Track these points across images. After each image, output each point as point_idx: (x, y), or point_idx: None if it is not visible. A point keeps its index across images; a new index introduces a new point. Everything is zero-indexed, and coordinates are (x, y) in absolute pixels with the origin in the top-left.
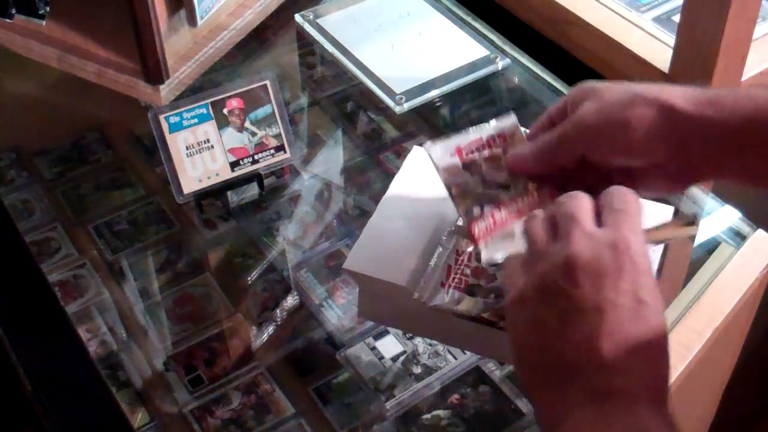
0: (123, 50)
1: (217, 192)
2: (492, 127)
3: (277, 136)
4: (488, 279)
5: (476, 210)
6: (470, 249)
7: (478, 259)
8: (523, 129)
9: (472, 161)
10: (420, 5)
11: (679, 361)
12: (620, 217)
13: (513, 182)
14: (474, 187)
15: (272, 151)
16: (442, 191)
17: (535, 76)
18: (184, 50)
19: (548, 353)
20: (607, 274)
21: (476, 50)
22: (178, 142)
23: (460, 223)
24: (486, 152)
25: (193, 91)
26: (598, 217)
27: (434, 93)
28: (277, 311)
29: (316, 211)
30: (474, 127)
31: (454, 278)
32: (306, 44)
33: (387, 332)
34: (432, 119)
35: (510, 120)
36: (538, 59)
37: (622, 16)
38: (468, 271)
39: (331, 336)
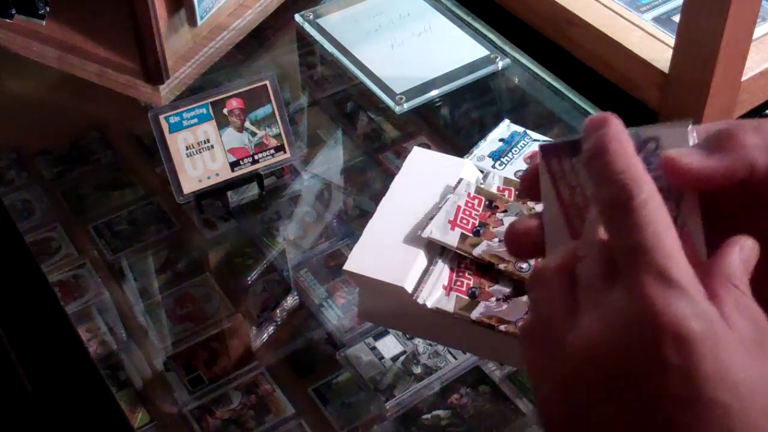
0: (123, 50)
1: (217, 192)
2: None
3: (277, 136)
4: (489, 282)
5: None
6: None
7: None
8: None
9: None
10: (420, 5)
11: None
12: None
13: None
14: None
15: (272, 151)
16: (442, 192)
17: (535, 76)
18: (184, 50)
19: None
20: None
21: (476, 50)
22: (178, 142)
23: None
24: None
25: (193, 91)
26: None
27: (434, 93)
28: (277, 311)
29: (316, 211)
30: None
31: (455, 281)
32: (306, 44)
33: (387, 332)
34: (432, 119)
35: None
36: (538, 59)
37: (622, 16)
38: (469, 274)
39: (331, 336)
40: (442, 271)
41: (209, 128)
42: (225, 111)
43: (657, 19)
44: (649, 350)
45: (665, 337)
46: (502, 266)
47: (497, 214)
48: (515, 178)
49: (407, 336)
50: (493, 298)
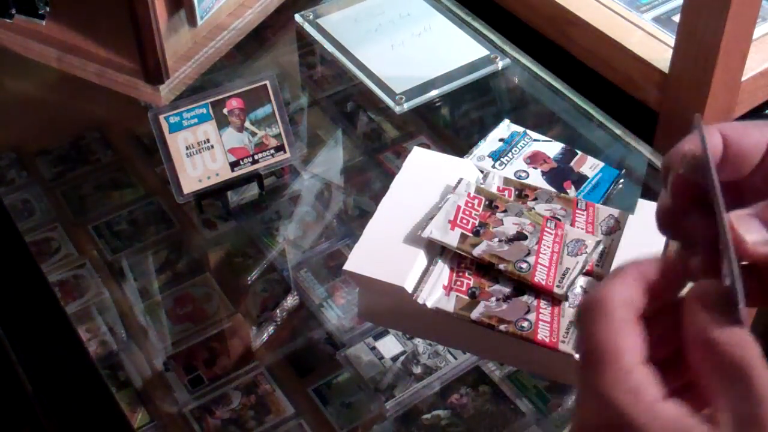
0: (123, 50)
1: (217, 192)
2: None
3: (277, 136)
4: (489, 282)
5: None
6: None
7: None
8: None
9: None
10: (420, 5)
11: None
12: None
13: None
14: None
15: (272, 151)
16: (442, 192)
17: (535, 76)
18: (184, 50)
19: None
20: None
21: (476, 50)
22: (178, 142)
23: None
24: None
25: (193, 91)
26: None
27: (434, 93)
28: (277, 311)
29: (316, 211)
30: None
31: (455, 281)
32: (306, 44)
33: (387, 332)
34: (432, 119)
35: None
36: (538, 59)
37: (622, 16)
38: (469, 274)
39: (331, 336)
40: (442, 271)
41: (209, 128)
42: (225, 111)
43: (657, 19)
44: None
45: None
46: (502, 266)
47: (497, 214)
48: (515, 178)
49: (407, 336)
50: (493, 298)
